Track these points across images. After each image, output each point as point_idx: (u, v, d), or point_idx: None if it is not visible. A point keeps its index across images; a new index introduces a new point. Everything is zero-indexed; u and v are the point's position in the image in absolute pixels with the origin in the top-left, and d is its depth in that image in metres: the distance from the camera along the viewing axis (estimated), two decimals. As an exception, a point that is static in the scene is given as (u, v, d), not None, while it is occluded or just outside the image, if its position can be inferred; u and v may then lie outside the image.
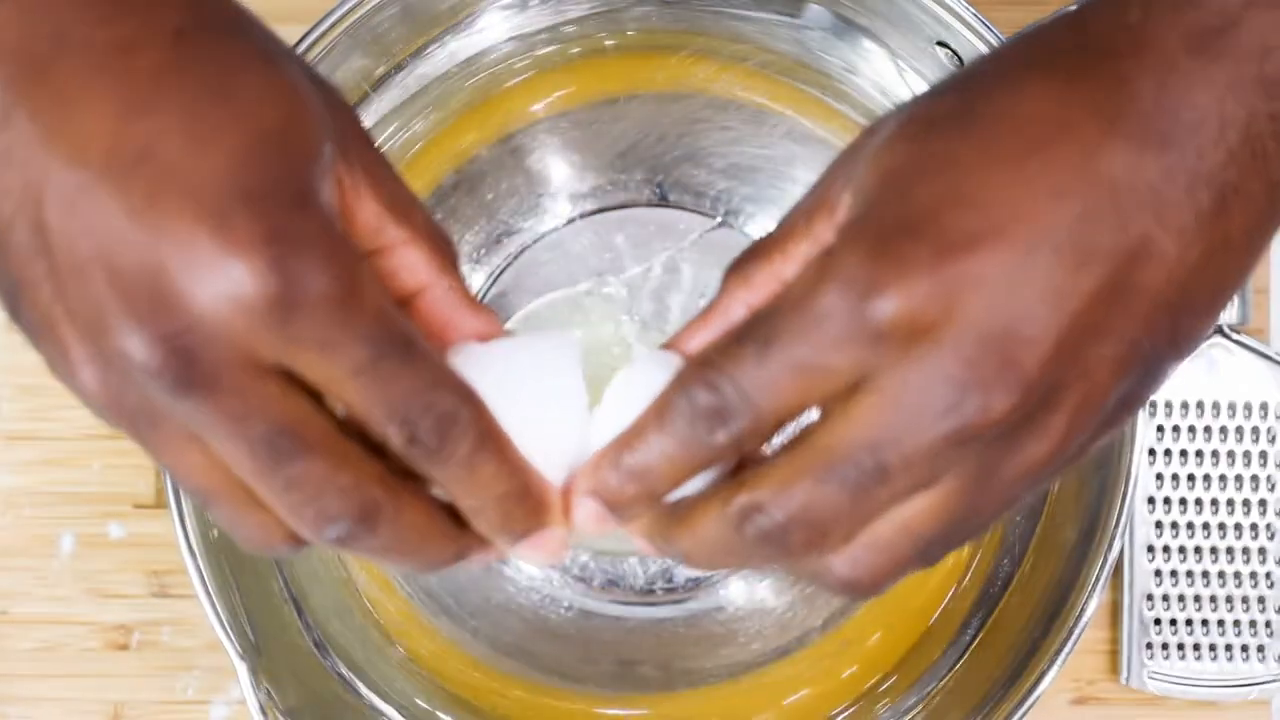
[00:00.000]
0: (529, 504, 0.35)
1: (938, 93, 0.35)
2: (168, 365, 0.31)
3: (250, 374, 0.31)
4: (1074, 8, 0.35)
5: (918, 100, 0.35)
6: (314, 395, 0.33)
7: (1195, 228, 0.32)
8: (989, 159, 0.32)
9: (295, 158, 0.32)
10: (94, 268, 0.31)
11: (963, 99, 0.34)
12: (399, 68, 0.58)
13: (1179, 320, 0.33)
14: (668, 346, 0.38)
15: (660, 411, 0.34)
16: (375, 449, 0.33)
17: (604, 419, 0.35)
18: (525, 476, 0.34)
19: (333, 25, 0.52)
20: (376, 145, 0.37)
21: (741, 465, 0.35)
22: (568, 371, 0.36)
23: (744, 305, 0.36)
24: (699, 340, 0.37)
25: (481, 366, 0.35)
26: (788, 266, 0.36)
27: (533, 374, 0.36)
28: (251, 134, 0.31)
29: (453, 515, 0.35)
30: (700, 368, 0.33)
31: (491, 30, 0.58)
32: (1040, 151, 0.32)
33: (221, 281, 0.30)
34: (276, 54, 0.34)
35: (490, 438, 0.34)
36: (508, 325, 0.59)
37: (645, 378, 0.35)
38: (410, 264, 0.36)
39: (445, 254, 0.37)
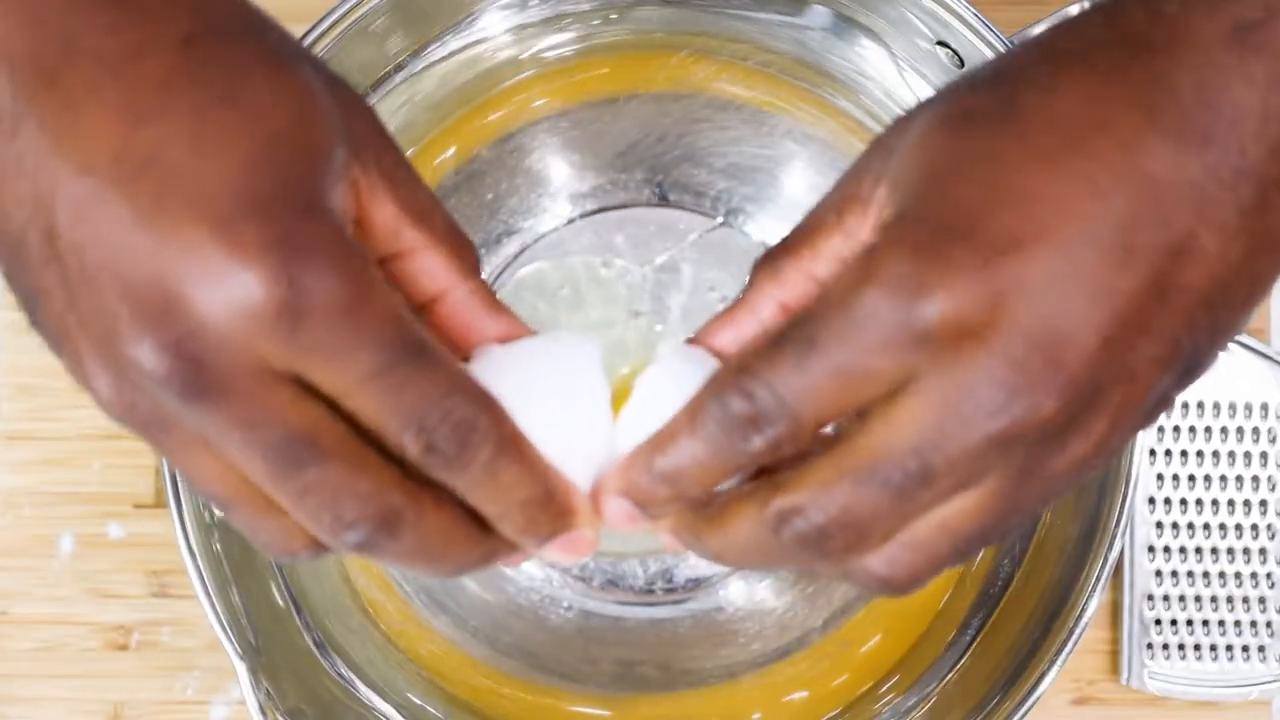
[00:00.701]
0: (553, 508, 0.34)
1: (974, 85, 0.34)
2: (176, 372, 0.31)
3: (261, 381, 0.31)
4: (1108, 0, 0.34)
5: (952, 92, 0.35)
6: (330, 402, 0.32)
7: (1237, 224, 0.32)
8: (1029, 156, 0.32)
9: (304, 162, 0.32)
10: (103, 276, 0.31)
11: (1000, 93, 0.33)
12: (399, 68, 0.57)
13: (1218, 317, 0.33)
14: (694, 341, 0.37)
15: (693, 416, 0.33)
16: (395, 455, 0.33)
17: (633, 416, 0.35)
18: (548, 480, 0.34)
19: (333, 25, 0.52)
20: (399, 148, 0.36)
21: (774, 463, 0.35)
22: (589, 371, 0.35)
23: (773, 301, 0.36)
24: (727, 337, 0.36)
25: (502, 368, 0.35)
26: (818, 263, 0.36)
27: (554, 374, 0.35)
28: (259, 138, 0.31)
29: (477, 518, 0.34)
30: (736, 374, 0.33)
31: (491, 29, 0.58)
32: (1081, 149, 0.32)
33: (227, 288, 0.30)
34: (289, 56, 0.33)
35: (511, 443, 0.33)
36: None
37: (675, 375, 0.35)
38: (429, 269, 0.36)
39: (466, 257, 0.37)
